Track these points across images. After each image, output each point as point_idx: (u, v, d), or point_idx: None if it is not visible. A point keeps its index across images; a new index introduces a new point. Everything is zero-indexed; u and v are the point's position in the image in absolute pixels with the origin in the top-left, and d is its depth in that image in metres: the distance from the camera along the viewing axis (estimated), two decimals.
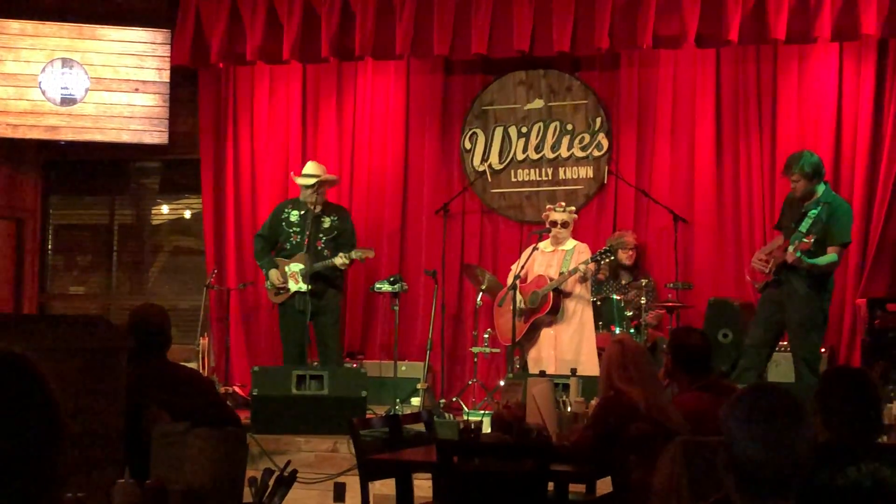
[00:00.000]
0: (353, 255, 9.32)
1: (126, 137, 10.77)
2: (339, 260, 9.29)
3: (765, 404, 2.91)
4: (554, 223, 9.20)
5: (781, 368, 8.68)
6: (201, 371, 9.53)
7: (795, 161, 8.00)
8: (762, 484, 2.82)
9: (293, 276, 9.40)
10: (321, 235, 9.47)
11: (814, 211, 7.90)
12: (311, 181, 9.48)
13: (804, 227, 7.86)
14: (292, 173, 9.87)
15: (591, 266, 8.98)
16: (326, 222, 9.51)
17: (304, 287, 9.25)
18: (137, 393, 4.87)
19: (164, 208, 11.77)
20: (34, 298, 11.37)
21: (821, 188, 8.02)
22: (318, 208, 9.48)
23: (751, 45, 9.60)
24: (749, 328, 8.42)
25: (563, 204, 9.38)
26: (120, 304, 11.24)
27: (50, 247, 11.72)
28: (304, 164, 9.92)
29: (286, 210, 9.67)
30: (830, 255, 7.92)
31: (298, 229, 9.51)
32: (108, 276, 11.68)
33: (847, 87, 9.50)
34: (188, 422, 4.94)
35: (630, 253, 9.69)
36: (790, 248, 7.84)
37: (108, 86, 10.68)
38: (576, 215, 9.44)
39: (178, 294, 11.29)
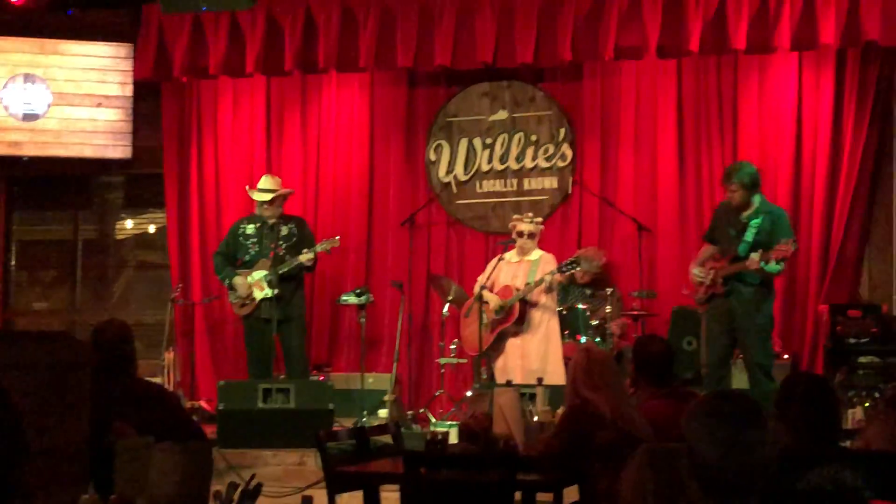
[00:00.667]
0: (318, 247, 9.29)
1: (89, 152, 10.72)
2: (305, 256, 9.26)
3: (727, 410, 2.95)
4: (520, 234, 9.23)
5: (734, 377, 8.76)
6: (167, 386, 9.50)
7: (735, 171, 8.12)
8: (725, 488, 2.85)
9: (257, 284, 9.36)
10: (280, 242, 9.44)
11: (755, 221, 8.04)
12: (268, 196, 9.46)
13: (749, 236, 7.99)
14: (247, 187, 9.82)
15: (558, 276, 9.01)
16: (284, 230, 9.49)
17: (269, 292, 9.22)
18: (102, 408, 4.84)
19: (129, 223, 11.72)
20: None
21: (758, 198, 8.13)
22: (274, 220, 9.48)
23: (711, 56, 9.68)
24: (704, 351, 8.46)
25: (531, 215, 9.41)
26: (84, 320, 11.15)
27: (13, 263, 11.63)
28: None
29: (241, 226, 9.64)
30: (775, 265, 8.04)
31: (256, 239, 9.49)
32: (72, 291, 11.60)
33: (807, 96, 9.60)
34: (153, 437, 4.92)
35: (588, 278, 9.65)
36: (753, 257, 7.91)
37: (71, 101, 10.63)
38: (542, 226, 9.47)
39: (143, 309, 11.24)
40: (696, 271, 8.37)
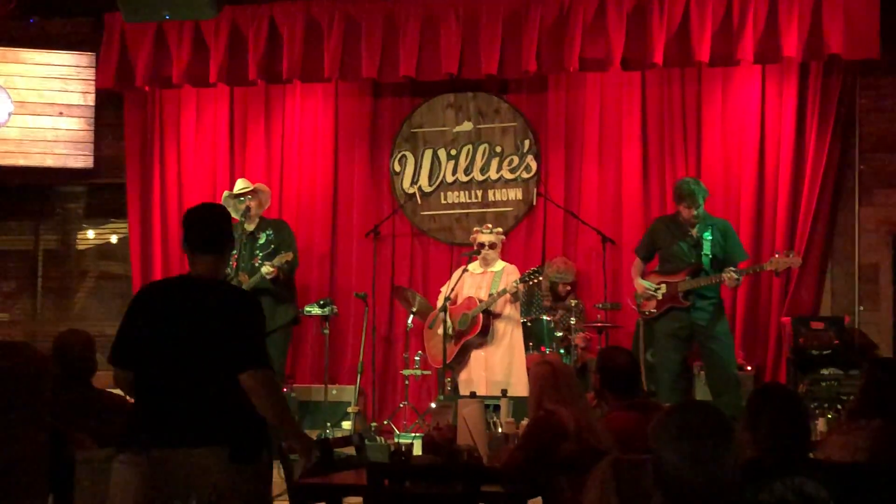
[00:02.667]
0: (275, 262, 9.21)
1: (50, 162, 10.64)
2: (265, 269, 9.18)
3: (693, 422, 2.94)
4: (482, 245, 9.23)
5: (696, 389, 8.83)
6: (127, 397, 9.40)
7: (697, 192, 8.35)
8: (690, 500, 2.84)
9: None
10: (257, 252, 9.38)
11: (708, 234, 8.29)
12: (244, 191, 9.42)
13: (707, 249, 8.19)
14: (226, 192, 9.72)
15: (521, 287, 9.01)
16: (262, 238, 9.43)
17: None
18: (62, 419, 4.79)
19: (90, 233, 11.63)
20: None
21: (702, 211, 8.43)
22: (252, 226, 9.42)
23: (675, 68, 9.72)
24: (659, 370, 8.49)
25: (490, 226, 9.43)
26: (45, 331, 11.04)
27: None
28: (232, 187, 9.86)
29: None
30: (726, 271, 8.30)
31: (234, 251, 9.42)
32: (33, 302, 11.49)
33: (770, 108, 9.66)
34: (113, 448, 4.86)
35: (568, 287, 9.71)
36: (731, 275, 8.06)
37: (33, 109, 10.56)
38: (503, 236, 9.49)
39: (105, 319, 11.11)
40: (647, 284, 8.46)
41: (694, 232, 8.38)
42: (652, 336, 8.85)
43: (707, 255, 8.30)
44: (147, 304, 4.54)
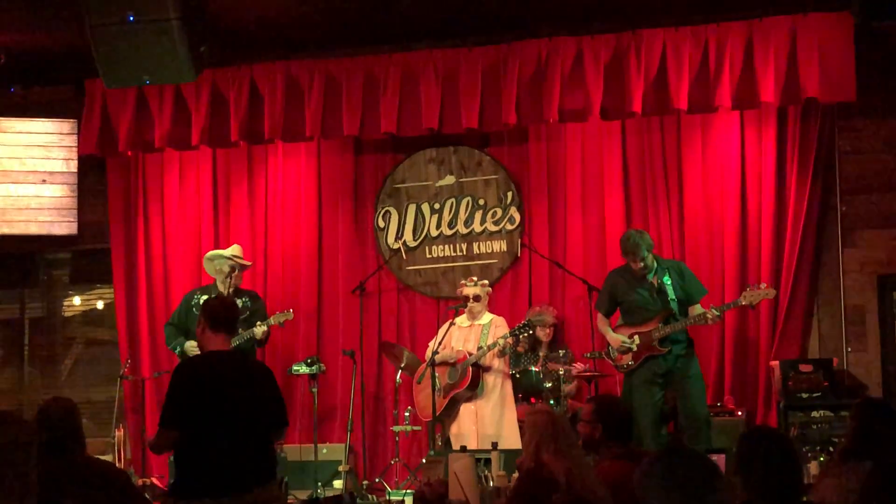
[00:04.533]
0: (272, 320, 9.20)
1: (34, 229, 10.62)
2: (259, 329, 9.17)
3: (680, 469, 2.93)
4: (467, 297, 9.24)
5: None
6: (117, 463, 9.34)
7: (639, 242, 8.49)
8: None
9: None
10: None
11: (666, 278, 8.48)
12: (236, 255, 9.43)
13: (671, 293, 8.30)
14: (220, 252, 9.70)
15: (510, 340, 9.00)
16: (239, 303, 9.42)
17: None
18: (50, 489, 4.75)
19: (76, 300, 11.59)
20: None
21: (654, 258, 8.58)
22: (230, 291, 9.40)
23: (655, 116, 9.78)
24: (640, 418, 8.47)
25: (475, 278, 9.46)
26: (32, 399, 10.97)
27: None
28: (216, 248, 9.86)
29: (196, 296, 9.56)
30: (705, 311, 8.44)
31: None
32: (19, 370, 11.42)
33: (749, 153, 9.71)
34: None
35: (548, 330, 9.71)
36: (713, 314, 8.12)
37: (15, 178, 10.55)
38: (489, 288, 9.50)
39: (93, 386, 11.08)
40: (621, 338, 8.52)
41: (654, 280, 8.47)
42: (630, 387, 8.82)
43: (673, 299, 8.45)
44: (197, 373, 5.48)
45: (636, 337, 8.49)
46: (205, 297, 9.44)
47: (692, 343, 8.63)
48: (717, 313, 8.37)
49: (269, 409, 5.49)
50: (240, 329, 9.23)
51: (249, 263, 9.76)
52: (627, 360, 8.55)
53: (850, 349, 9.44)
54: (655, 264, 8.55)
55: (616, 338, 8.60)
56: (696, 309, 8.52)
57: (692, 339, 8.66)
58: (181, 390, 5.40)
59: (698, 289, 8.63)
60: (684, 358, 8.44)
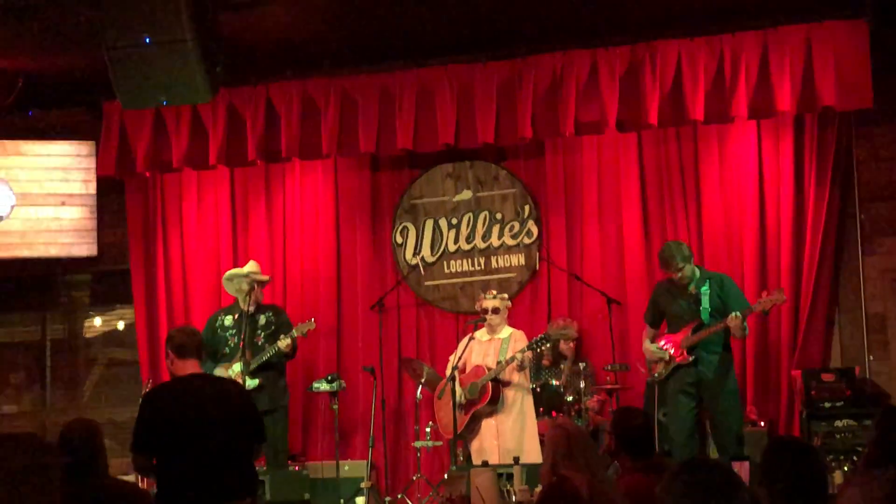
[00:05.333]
0: (295, 332, 9.21)
1: (55, 251, 10.67)
2: (283, 342, 9.17)
3: (701, 480, 2.92)
4: (486, 311, 9.23)
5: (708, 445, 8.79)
6: (140, 484, 9.35)
7: (674, 253, 8.44)
8: None
9: (238, 377, 9.27)
10: (259, 332, 9.39)
11: (705, 288, 8.41)
12: (253, 272, 9.46)
13: (706, 303, 8.26)
14: (237, 270, 9.73)
15: (529, 354, 8.99)
16: (262, 319, 9.45)
17: (252, 383, 9.13)
18: None
19: (97, 320, 11.63)
20: None
21: (696, 269, 8.52)
22: (252, 308, 9.42)
23: (671, 127, 9.77)
24: (672, 428, 8.46)
25: (494, 291, 9.45)
26: (55, 421, 10.98)
27: None
28: (235, 267, 9.90)
29: (220, 317, 9.60)
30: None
31: (234, 331, 9.42)
32: (42, 392, 11.46)
33: (767, 162, 9.69)
34: None
35: (571, 344, 9.71)
36: (733, 317, 8.11)
37: (35, 201, 10.61)
38: (508, 301, 9.48)
39: (115, 406, 11.10)
40: (654, 348, 8.49)
41: (692, 289, 8.42)
42: (665, 396, 8.85)
43: (706, 308, 8.36)
44: (168, 398, 5.71)
45: (669, 345, 8.46)
46: (229, 317, 9.48)
47: (729, 357, 8.49)
48: (737, 315, 8.17)
49: (245, 427, 5.65)
50: (266, 345, 9.27)
51: (268, 278, 9.78)
52: (660, 369, 8.52)
53: (871, 357, 9.40)
54: (697, 275, 8.48)
55: (648, 348, 8.59)
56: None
57: (731, 353, 8.54)
58: (145, 416, 5.68)
59: (738, 302, 8.40)
60: (716, 370, 8.33)
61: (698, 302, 8.39)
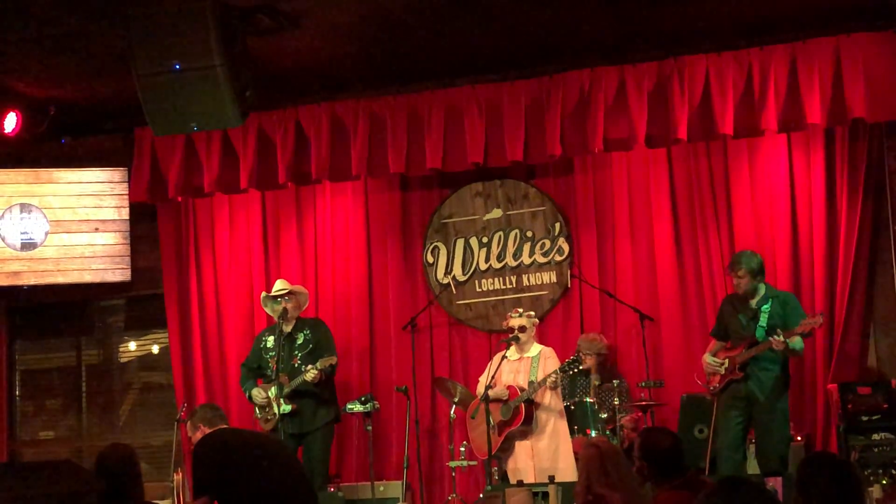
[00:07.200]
0: (318, 365, 9.23)
1: (88, 277, 10.74)
2: (310, 374, 9.20)
3: (738, 500, 2.91)
4: (512, 329, 9.22)
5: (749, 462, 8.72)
6: None
7: (742, 258, 8.39)
8: None
9: (275, 400, 9.32)
10: (296, 353, 9.43)
11: (766, 306, 8.33)
12: (282, 292, 9.51)
13: (763, 321, 8.21)
14: (264, 294, 9.82)
15: (559, 376, 8.95)
16: (299, 338, 9.48)
17: (286, 408, 9.14)
18: None
19: (132, 345, 11.69)
20: (3, 446, 11.19)
21: (764, 286, 8.44)
22: (290, 327, 9.46)
23: (700, 142, 9.75)
24: (718, 441, 8.43)
25: (520, 309, 9.43)
26: (92, 446, 11.06)
27: (18, 393, 11.58)
28: (269, 290, 9.93)
29: (264, 337, 9.67)
30: (800, 342, 8.24)
31: (274, 353, 9.47)
32: (78, 417, 11.53)
33: (798, 176, 9.65)
34: None
35: (591, 358, 9.58)
36: (774, 337, 8.06)
37: (68, 227, 10.69)
38: (535, 319, 9.46)
39: (151, 430, 11.16)
40: (710, 360, 8.49)
41: (752, 304, 8.40)
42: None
43: (763, 326, 8.29)
44: (248, 450, 5.07)
45: (726, 361, 8.43)
46: (270, 338, 9.55)
47: (785, 378, 8.41)
48: (779, 338, 8.13)
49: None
50: (303, 367, 9.27)
51: (298, 289, 9.75)
52: (715, 382, 8.50)
53: None
54: (763, 291, 8.44)
55: (706, 359, 8.57)
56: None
57: (788, 374, 8.46)
58: (229, 464, 5.11)
59: (796, 322, 8.29)
60: (768, 389, 8.28)
61: (756, 319, 8.35)
